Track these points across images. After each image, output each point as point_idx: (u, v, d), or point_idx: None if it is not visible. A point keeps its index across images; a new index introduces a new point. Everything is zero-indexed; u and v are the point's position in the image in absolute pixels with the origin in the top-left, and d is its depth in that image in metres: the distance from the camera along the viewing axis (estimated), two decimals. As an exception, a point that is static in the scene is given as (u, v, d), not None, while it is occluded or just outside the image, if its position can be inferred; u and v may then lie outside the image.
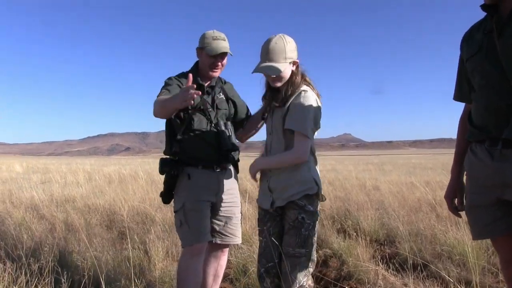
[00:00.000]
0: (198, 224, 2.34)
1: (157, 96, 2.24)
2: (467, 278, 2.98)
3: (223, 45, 2.38)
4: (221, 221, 2.52)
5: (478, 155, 1.62)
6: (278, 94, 2.14)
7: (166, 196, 2.45)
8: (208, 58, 2.37)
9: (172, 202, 2.48)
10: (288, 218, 2.09)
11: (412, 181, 8.80)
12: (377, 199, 6.63)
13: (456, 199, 1.89)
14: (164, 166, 2.37)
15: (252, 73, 2.10)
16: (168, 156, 2.43)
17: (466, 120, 1.73)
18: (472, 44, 1.62)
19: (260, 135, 2.64)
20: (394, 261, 3.46)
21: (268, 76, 2.13)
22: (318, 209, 2.12)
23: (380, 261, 3.50)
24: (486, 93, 1.54)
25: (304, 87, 2.13)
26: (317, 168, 2.20)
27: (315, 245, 2.11)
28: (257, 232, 2.32)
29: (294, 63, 2.13)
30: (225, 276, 3.26)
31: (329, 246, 4.00)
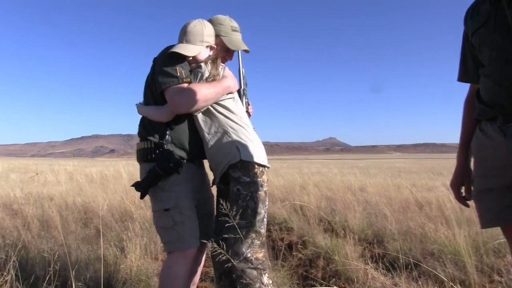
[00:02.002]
0: (194, 224, 2.11)
1: (175, 79, 2.00)
2: (460, 277, 2.86)
3: (241, 39, 2.29)
4: (203, 219, 2.25)
5: (488, 133, 1.46)
6: None
7: (147, 189, 2.05)
8: (223, 50, 2.26)
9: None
10: (229, 191, 2.12)
11: (398, 183, 8.72)
12: (364, 199, 6.51)
13: (463, 187, 1.72)
14: (165, 158, 2.01)
15: (171, 52, 2.04)
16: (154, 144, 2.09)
17: (473, 100, 1.57)
18: (478, 16, 1.48)
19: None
20: (384, 260, 3.35)
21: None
22: (261, 179, 2.11)
23: (370, 259, 3.36)
24: (498, 66, 1.38)
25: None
26: (247, 137, 2.16)
27: (259, 217, 2.10)
28: None
29: (211, 48, 2.19)
30: (205, 274, 3.11)
31: (316, 245, 3.84)
